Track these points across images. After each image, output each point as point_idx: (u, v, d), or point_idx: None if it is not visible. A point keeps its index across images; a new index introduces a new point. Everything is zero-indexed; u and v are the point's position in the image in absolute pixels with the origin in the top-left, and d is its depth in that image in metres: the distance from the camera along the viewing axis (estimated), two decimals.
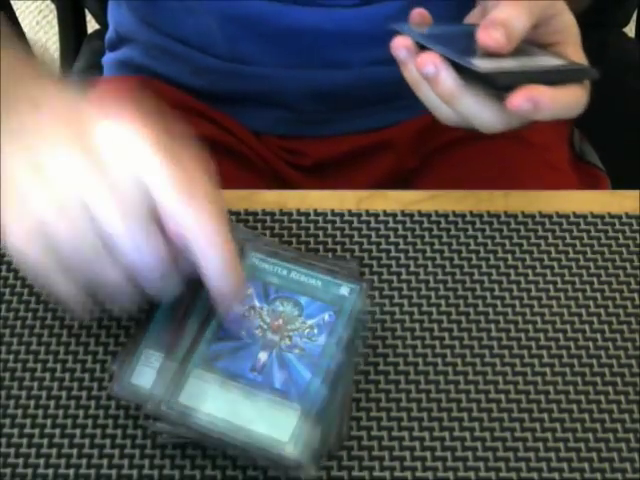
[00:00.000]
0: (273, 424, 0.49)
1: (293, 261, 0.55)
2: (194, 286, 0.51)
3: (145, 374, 0.51)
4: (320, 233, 0.60)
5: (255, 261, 0.55)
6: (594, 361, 0.55)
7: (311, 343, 0.52)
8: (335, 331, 0.53)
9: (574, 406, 0.53)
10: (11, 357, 0.54)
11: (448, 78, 0.52)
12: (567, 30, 0.56)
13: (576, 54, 0.56)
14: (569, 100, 0.53)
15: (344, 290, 0.54)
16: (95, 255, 0.47)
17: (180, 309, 0.53)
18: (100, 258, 0.47)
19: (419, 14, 0.58)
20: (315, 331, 0.53)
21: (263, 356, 0.52)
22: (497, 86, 0.52)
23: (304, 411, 0.50)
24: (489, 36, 0.53)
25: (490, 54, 0.53)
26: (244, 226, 0.59)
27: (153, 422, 0.50)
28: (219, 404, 0.50)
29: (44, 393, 0.53)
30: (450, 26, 0.59)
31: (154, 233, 0.48)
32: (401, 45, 0.55)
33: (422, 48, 0.54)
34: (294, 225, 0.60)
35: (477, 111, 0.53)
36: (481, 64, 0.52)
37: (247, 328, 0.53)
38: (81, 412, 0.52)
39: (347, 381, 0.52)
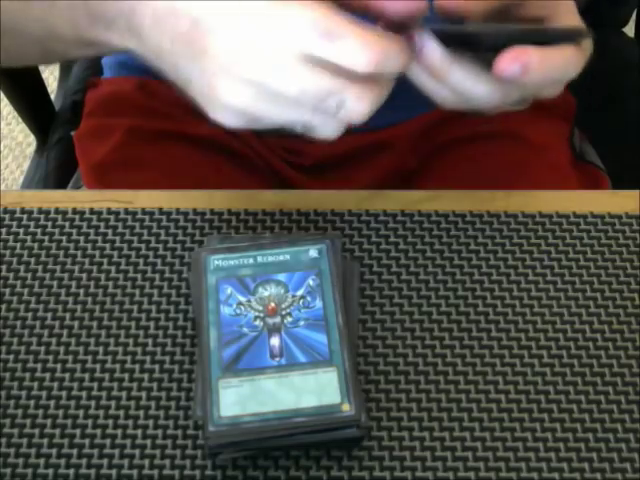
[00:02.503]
0: (319, 394, 0.50)
1: (253, 248, 0.56)
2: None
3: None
4: None
5: (218, 263, 0.55)
6: (594, 361, 0.55)
7: (310, 310, 0.53)
8: (326, 290, 0.54)
9: (574, 406, 0.53)
10: (11, 357, 0.54)
11: (433, 50, 0.51)
12: (555, 1, 0.54)
13: (571, 23, 0.54)
14: (561, 60, 0.50)
15: (313, 252, 0.56)
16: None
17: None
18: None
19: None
20: (308, 299, 0.54)
21: (275, 341, 0.52)
22: (483, 45, 0.50)
23: (339, 368, 0.51)
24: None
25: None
26: (243, 226, 0.60)
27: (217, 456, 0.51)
28: (260, 400, 0.50)
29: (44, 393, 0.53)
30: None
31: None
32: None
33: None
34: (294, 225, 0.60)
35: (470, 85, 0.51)
36: (464, 27, 0.52)
37: (246, 323, 0.53)
38: (81, 412, 0.52)
39: (354, 314, 0.55)
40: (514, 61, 0.48)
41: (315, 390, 0.50)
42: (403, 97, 0.56)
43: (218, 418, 0.49)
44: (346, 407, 0.50)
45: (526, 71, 0.48)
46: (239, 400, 0.50)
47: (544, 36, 0.50)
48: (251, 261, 0.56)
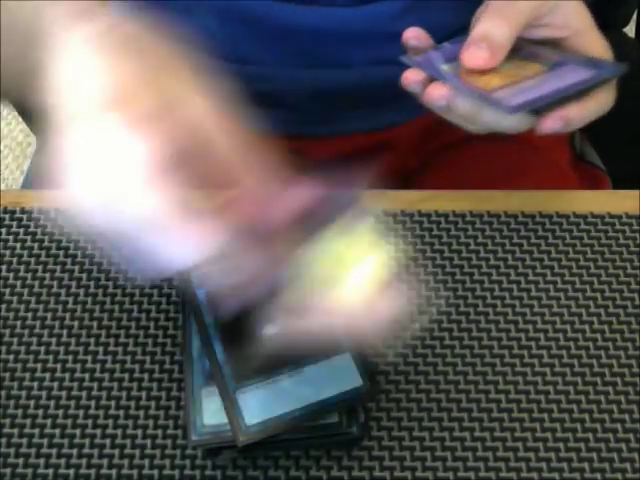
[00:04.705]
0: (338, 382, 0.50)
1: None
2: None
3: (216, 412, 0.50)
4: None
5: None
6: (594, 361, 0.55)
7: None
8: None
9: (574, 406, 0.53)
10: (11, 357, 0.54)
11: (462, 104, 0.52)
12: (572, 21, 0.55)
13: (591, 42, 0.55)
14: (597, 106, 0.53)
15: None
16: None
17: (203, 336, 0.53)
18: None
19: (414, 37, 0.57)
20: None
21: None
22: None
23: (352, 352, 0.51)
24: (473, 56, 0.52)
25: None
26: None
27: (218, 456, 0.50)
28: (282, 401, 0.49)
29: (44, 393, 0.53)
30: (450, 45, 0.56)
31: None
32: (412, 81, 0.55)
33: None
34: None
35: (499, 122, 0.53)
36: (506, 97, 0.51)
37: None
38: (81, 412, 0.52)
39: None
40: (556, 120, 0.51)
41: (332, 381, 0.50)
42: (404, 98, 0.56)
43: (247, 428, 0.48)
44: (366, 387, 0.50)
45: (568, 125, 0.51)
46: (260, 406, 0.49)
47: (580, 92, 0.52)
48: None
